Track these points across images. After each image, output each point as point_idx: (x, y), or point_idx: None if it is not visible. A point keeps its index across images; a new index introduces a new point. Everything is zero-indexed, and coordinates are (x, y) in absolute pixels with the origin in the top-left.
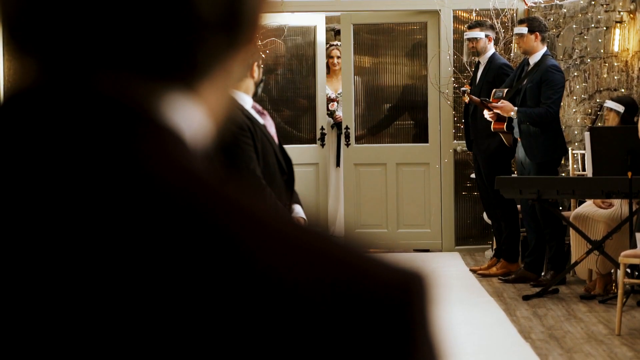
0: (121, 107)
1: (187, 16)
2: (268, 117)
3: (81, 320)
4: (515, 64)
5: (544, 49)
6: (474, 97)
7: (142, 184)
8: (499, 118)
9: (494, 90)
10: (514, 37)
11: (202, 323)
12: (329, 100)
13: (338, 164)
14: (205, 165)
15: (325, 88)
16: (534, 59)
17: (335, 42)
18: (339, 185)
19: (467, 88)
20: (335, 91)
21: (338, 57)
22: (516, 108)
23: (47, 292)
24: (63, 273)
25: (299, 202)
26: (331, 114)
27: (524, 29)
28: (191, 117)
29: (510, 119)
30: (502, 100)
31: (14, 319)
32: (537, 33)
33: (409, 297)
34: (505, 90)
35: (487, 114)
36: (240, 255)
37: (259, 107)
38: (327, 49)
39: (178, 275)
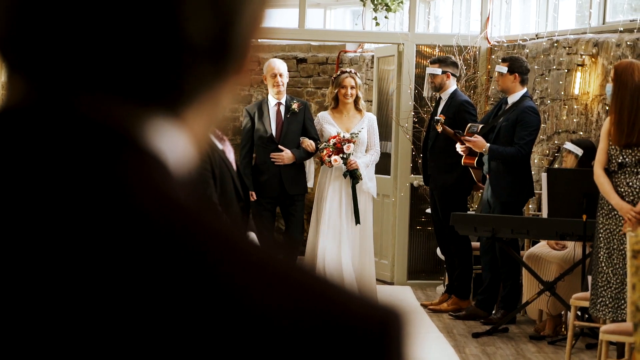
0: (105, 131)
1: (176, 42)
2: (227, 143)
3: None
4: (476, 100)
5: (523, 90)
6: (447, 128)
7: (123, 210)
8: (470, 152)
9: (469, 124)
10: (494, 74)
11: (185, 349)
12: (343, 141)
13: (358, 221)
14: (186, 192)
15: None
16: (512, 99)
17: (348, 69)
18: (355, 243)
19: (441, 118)
20: (347, 130)
21: (352, 87)
22: (489, 145)
23: (25, 325)
24: (42, 301)
25: (253, 230)
26: (345, 158)
27: (504, 68)
28: (175, 143)
29: (482, 155)
30: (475, 135)
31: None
32: (517, 74)
33: (386, 331)
34: (480, 126)
35: (459, 147)
36: (220, 283)
37: (219, 133)
38: (339, 76)
39: (159, 303)
